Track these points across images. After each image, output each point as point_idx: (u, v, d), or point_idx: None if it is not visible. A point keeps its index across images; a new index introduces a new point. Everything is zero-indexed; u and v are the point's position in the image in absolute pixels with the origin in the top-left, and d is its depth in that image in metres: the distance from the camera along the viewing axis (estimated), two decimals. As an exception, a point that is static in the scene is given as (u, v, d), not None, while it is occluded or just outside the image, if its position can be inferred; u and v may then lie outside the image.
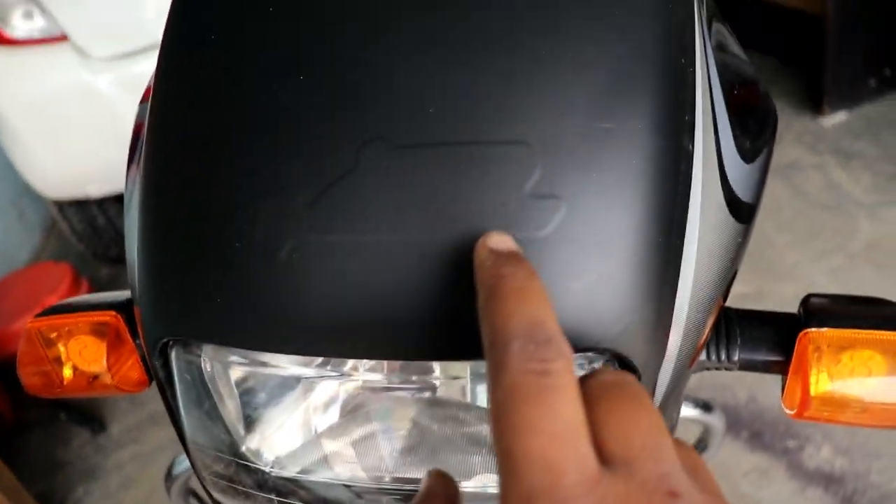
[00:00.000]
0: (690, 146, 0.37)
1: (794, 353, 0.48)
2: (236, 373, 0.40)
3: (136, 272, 0.40)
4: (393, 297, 0.34)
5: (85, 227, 2.47)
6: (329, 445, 0.43)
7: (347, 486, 0.43)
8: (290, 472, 0.42)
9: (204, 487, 0.46)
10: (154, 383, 0.57)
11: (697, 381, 1.57)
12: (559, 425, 0.24)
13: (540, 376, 0.25)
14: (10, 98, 2.07)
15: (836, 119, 2.63)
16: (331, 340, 0.35)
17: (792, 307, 0.50)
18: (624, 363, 0.35)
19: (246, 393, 0.41)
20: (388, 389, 0.39)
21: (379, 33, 0.37)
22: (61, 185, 2.23)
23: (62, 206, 2.40)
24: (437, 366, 0.37)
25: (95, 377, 0.57)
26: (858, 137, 2.52)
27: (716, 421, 0.86)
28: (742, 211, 0.42)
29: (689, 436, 0.89)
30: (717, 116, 0.41)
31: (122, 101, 2.06)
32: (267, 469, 0.43)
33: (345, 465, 0.43)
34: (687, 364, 0.40)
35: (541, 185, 0.34)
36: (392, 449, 0.42)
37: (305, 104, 0.37)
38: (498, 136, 0.35)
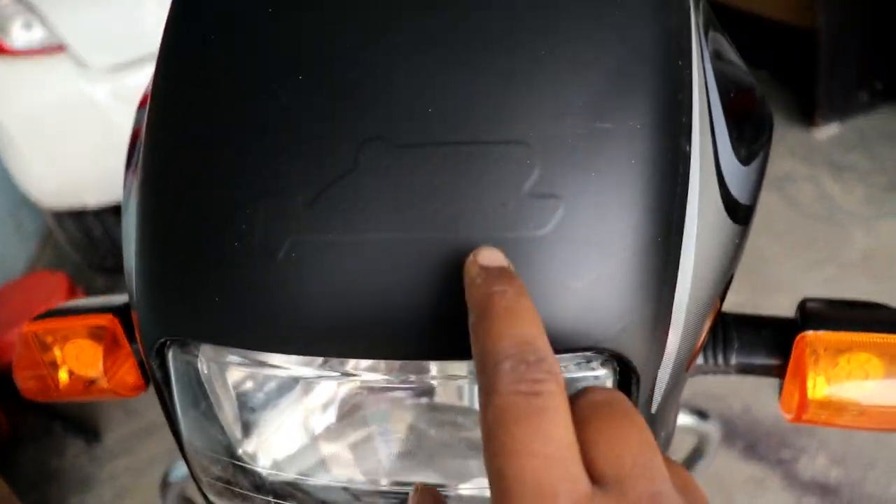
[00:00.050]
0: (688, 147, 0.37)
1: (792, 357, 0.48)
2: (233, 374, 0.40)
3: (134, 273, 0.40)
4: (392, 296, 0.34)
5: (81, 237, 2.47)
6: (326, 448, 0.42)
7: (345, 489, 0.43)
8: (288, 474, 0.42)
9: (201, 491, 0.45)
10: (150, 388, 0.57)
11: (691, 392, 1.57)
12: (550, 447, 0.25)
13: (531, 397, 0.25)
14: (8, 108, 2.08)
15: (828, 131, 2.65)
16: (329, 340, 0.35)
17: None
18: (623, 363, 0.35)
19: (243, 395, 0.41)
20: (386, 390, 0.39)
21: (378, 33, 0.37)
22: (58, 196, 2.23)
23: (59, 216, 2.40)
24: (435, 365, 0.37)
25: (92, 382, 0.57)
26: (851, 150, 2.54)
27: (712, 429, 0.86)
28: (739, 212, 0.42)
29: (685, 445, 0.89)
30: (714, 119, 0.41)
31: (120, 111, 2.07)
32: (264, 472, 0.42)
33: (342, 468, 0.43)
34: (685, 366, 0.40)
35: (540, 184, 0.34)
36: (389, 452, 0.42)
37: (305, 104, 0.37)
38: (497, 136, 0.35)
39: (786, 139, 2.62)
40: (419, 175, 0.35)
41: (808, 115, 2.67)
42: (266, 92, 0.38)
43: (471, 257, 0.32)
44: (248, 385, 0.40)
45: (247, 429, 0.42)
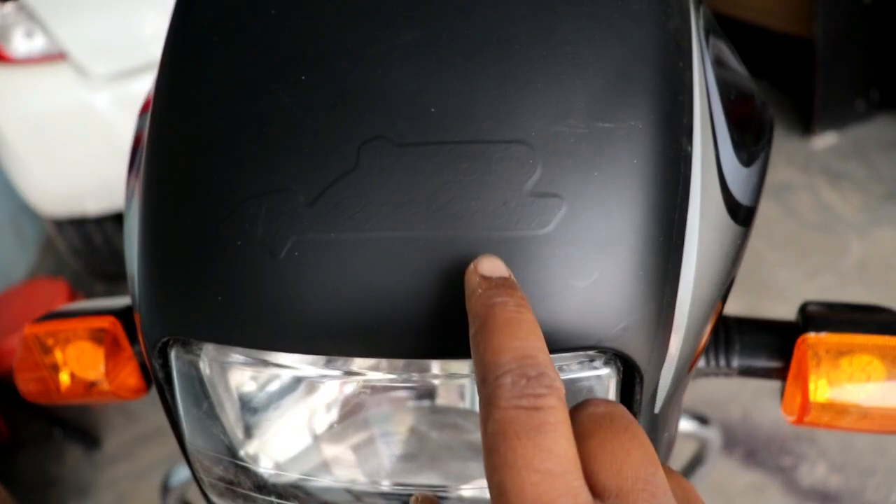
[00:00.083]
0: (689, 148, 0.37)
1: (793, 359, 0.48)
2: (236, 374, 0.40)
3: (136, 274, 0.40)
4: (394, 295, 0.34)
5: (82, 244, 2.47)
6: (329, 449, 0.42)
7: (347, 490, 0.43)
8: (290, 474, 0.42)
9: (202, 492, 0.45)
10: (151, 391, 0.57)
11: (691, 398, 1.57)
12: (551, 461, 0.25)
13: (532, 412, 0.25)
14: (9, 116, 2.08)
15: (825, 141, 2.66)
16: (332, 338, 0.35)
17: (783, 326, 0.51)
18: (626, 362, 0.35)
19: (245, 395, 0.41)
20: (389, 389, 0.39)
21: (380, 33, 0.38)
22: (59, 203, 2.23)
23: (59, 223, 2.40)
24: (437, 364, 0.37)
25: (93, 384, 0.57)
26: (848, 158, 2.55)
27: (713, 435, 0.86)
28: (740, 213, 0.43)
29: (686, 451, 0.89)
30: (715, 120, 0.42)
31: (121, 119, 2.08)
32: (266, 472, 0.42)
33: (344, 469, 0.43)
34: (687, 367, 0.41)
35: (541, 183, 0.34)
36: (391, 454, 0.42)
37: (306, 104, 0.37)
38: (499, 136, 0.35)
39: (784, 148, 2.63)
40: (421, 174, 0.35)
41: (805, 125, 2.68)
42: (268, 92, 0.38)
43: (471, 266, 0.32)
44: (251, 385, 0.40)
45: (249, 429, 0.42)
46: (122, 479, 1.96)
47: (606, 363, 0.36)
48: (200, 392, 0.41)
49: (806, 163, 2.57)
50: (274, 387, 0.40)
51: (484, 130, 0.35)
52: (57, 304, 2.19)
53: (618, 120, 0.35)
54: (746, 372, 0.51)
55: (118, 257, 2.53)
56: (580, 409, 0.29)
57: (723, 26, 0.53)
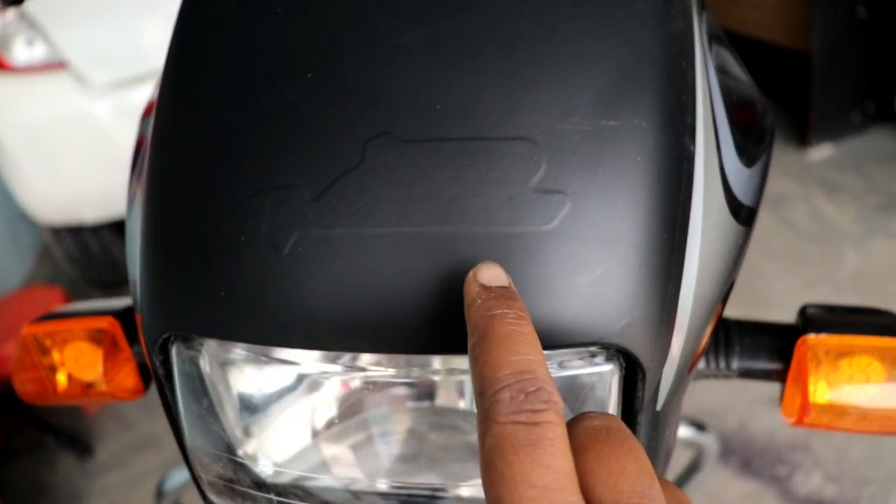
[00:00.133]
0: (692, 147, 0.37)
1: (793, 361, 0.48)
2: (236, 371, 0.40)
3: (139, 270, 0.40)
4: (397, 290, 0.34)
5: (78, 252, 2.47)
6: (328, 448, 0.42)
7: (347, 489, 0.43)
8: (290, 472, 0.42)
9: (200, 492, 0.45)
10: (148, 394, 0.57)
11: (687, 408, 1.57)
12: (549, 477, 0.25)
13: (529, 427, 0.25)
14: (8, 124, 2.09)
15: (822, 153, 2.67)
16: (335, 334, 0.35)
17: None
18: (629, 359, 0.35)
19: (246, 391, 0.41)
20: (390, 385, 0.39)
21: (385, 33, 0.38)
22: (56, 211, 2.24)
23: (56, 231, 2.40)
24: (439, 360, 0.37)
25: (90, 385, 0.57)
26: (844, 170, 2.56)
27: (709, 441, 0.86)
28: (742, 213, 0.43)
29: (682, 458, 0.89)
30: (718, 121, 0.42)
31: (120, 127, 2.08)
32: (265, 471, 0.42)
33: (344, 468, 0.42)
34: (688, 366, 0.41)
35: (546, 180, 0.34)
36: (391, 454, 0.42)
37: (312, 101, 0.37)
38: (503, 133, 0.35)
39: (781, 160, 2.64)
40: (426, 170, 0.35)
41: (802, 137, 2.70)
42: (273, 90, 0.38)
43: (471, 274, 0.32)
44: (251, 382, 0.40)
45: (249, 426, 0.41)
46: (115, 487, 1.95)
47: (609, 360, 0.36)
48: (201, 389, 0.41)
49: (802, 174, 2.58)
50: (275, 384, 0.40)
51: (489, 127, 0.35)
52: (52, 311, 2.19)
53: (622, 118, 0.35)
54: (746, 374, 0.51)
55: (115, 266, 2.53)
56: (576, 422, 0.29)
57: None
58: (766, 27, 2.75)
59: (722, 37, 0.52)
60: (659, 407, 0.38)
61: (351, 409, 0.41)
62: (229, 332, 0.37)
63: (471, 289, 0.31)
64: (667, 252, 0.35)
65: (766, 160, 0.48)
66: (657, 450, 0.41)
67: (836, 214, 2.37)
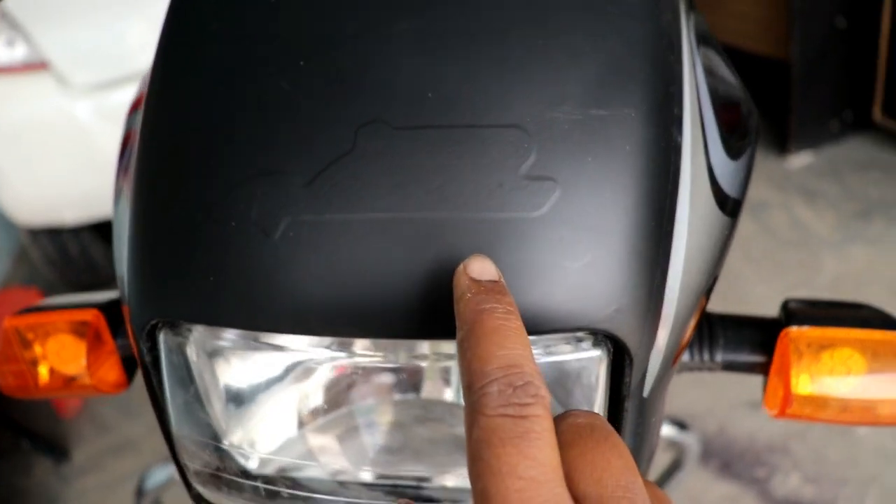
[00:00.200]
0: (679, 138, 0.38)
1: (776, 353, 0.49)
2: (224, 357, 0.40)
3: (127, 260, 0.39)
4: (387, 275, 0.34)
5: (57, 254, 2.44)
6: (316, 437, 0.42)
7: (333, 478, 0.43)
8: (277, 462, 0.42)
9: (185, 482, 0.45)
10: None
11: (668, 410, 1.58)
12: (535, 469, 0.25)
13: (517, 420, 0.26)
14: (-12, 124, 2.06)
15: (801, 160, 2.70)
16: (325, 319, 0.35)
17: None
18: (616, 345, 0.36)
19: (233, 379, 0.41)
20: (380, 371, 0.39)
21: (378, 22, 0.38)
22: (36, 213, 2.20)
23: (34, 233, 2.37)
24: (428, 345, 0.37)
25: (72, 378, 0.56)
26: (823, 177, 2.60)
27: (691, 440, 0.86)
28: (728, 204, 0.43)
29: (663, 458, 0.89)
30: (704, 114, 0.42)
31: (102, 129, 2.06)
32: (251, 461, 0.42)
33: (330, 457, 0.42)
34: (673, 356, 0.41)
35: (536, 167, 0.35)
36: (376, 445, 0.42)
37: (304, 88, 0.37)
38: (494, 120, 0.35)
39: (761, 167, 2.67)
40: (416, 156, 0.35)
41: (782, 145, 2.73)
42: (266, 77, 0.38)
43: (460, 267, 0.32)
44: (239, 369, 0.40)
45: (236, 414, 0.41)
46: (91, 491, 1.92)
47: (597, 345, 0.36)
48: (188, 377, 0.40)
49: (782, 181, 2.61)
50: (263, 371, 0.40)
51: (479, 115, 0.36)
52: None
53: (611, 107, 0.36)
54: (730, 366, 0.52)
55: (93, 268, 2.50)
56: (561, 419, 0.29)
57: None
58: (747, 36, 2.78)
59: (711, 38, 0.53)
60: (646, 394, 0.39)
61: (339, 397, 0.41)
62: (218, 318, 0.37)
63: (461, 282, 0.31)
64: (654, 240, 0.36)
65: (751, 154, 0.48)
66: (643, 437, 0.41)
67: (814, 221, 2.40)
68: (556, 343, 0.36)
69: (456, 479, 0.42)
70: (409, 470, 0.42)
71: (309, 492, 0.42)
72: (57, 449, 2.04)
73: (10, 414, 2.00)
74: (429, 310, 0.34)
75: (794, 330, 0.47)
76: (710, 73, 0.47)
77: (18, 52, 2.04)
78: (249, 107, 0.38)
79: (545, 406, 0.27)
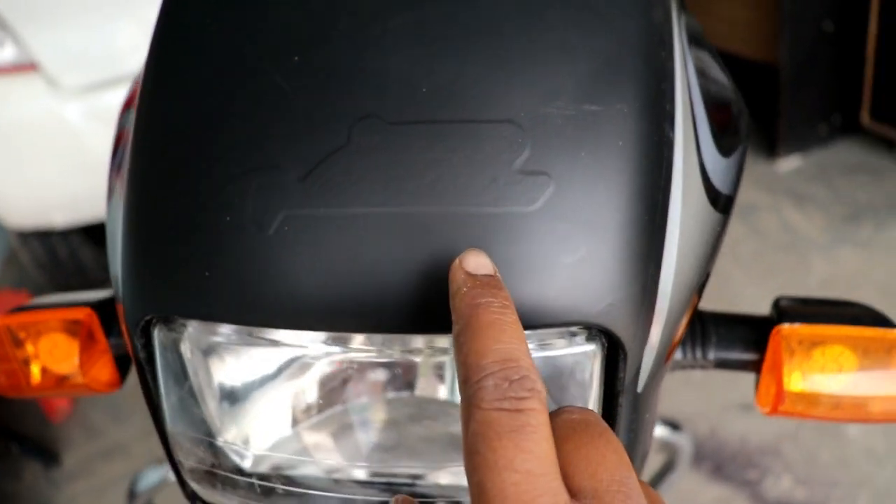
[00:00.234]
0: (671, 133, 0.38)
1: (768, 351, 0.49)
2: (219, 353, 0.40)
3: (121, 257, 0.39)
4: (382, 270, 0.35)
5: (46, 257, 2.42)
6: (311, 434, 0.42)
7: (328, 475, 0.42)
8: (272, 458, 0.42)
9: (179, 479, 0.45)
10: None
11: (660, 412, 1.59)
12: (532, 462, 0.25)
13: (513, 414, 0.26)
14: (-24, 126, 2.04)
15: (790, 163, 2.72)
16: (320, 314, 0.35)
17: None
18: (610, 340, 0.36)
19: (228, 375, 0.41)
20: (375, 366, 0.39)
21: (373, 17, 0.38)
22: (25, 215, 2.19)
23: (24, 235, 2.35)
24: (423, 339, 0.38)
25: (65, 377, 0.56)
26: (811, 181, 2.61)
27: (684, 441, 0.87)
28: (720, 201, 0.44)
29: (656, 459, 0.89)
30: (696, 110, 0.43)
31: (92, 131, 2.04)
32: (246, 458, 0.42)
33: (325, 453, 0.42)
34: (666, 352, 0.41)
35: (530, 162, 0.35)
36: (370, 442, 0.42)
37: (298, 83, 0.37)
38: (488, 115, 0.36)
39: (751, 171, 2.69)
40: (411, 151, 0.35)
41: (771, 148, 2.75)
42: (260, 72, 0.38)
43: (456, 262, 0.32)
44: (234, 364, 0.40)
45: (231, 410, 0.41)
46: (82, 495, 1.91)
47: (591, 340, 0.36)
48: (182, 373, 0.40)
49: (771, 185, 2.63)
50: (258, 366, 0.40)
51: (474, 110, 0.36)
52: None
53: (604, 103, 0.36)
54: (722, 364, 0.52)
55: (83, 271, 2.49)
56: (556, 415, 0.29)
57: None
58: (736, 40, 2.80)
59: (702, 39, 0.53)
60: (639, 389, 0.39)
61: (333, 394, 0.41)
62: (212, 313, 0.37)
63: (456, 276, 0.31)
64: (648, 235, 0.36)
65: (742, 152, 0.49)
66: (637, 434, 0.41)
67: (804, 224, 2.41)
68: (550, 337, 0.36)
69: (450, 476, 0.42)
70: (404, 467, 0.42)
71: (304, 488, 0.42)
72: (47, 453, 2.02)
73: (0, 418, 1.98)
74: (424, 304, 0.35)
75: (785, 327, 0.48)
76: (701, 72, 0.47)
77: (7, 53, 2.02)
78: (244, 102, 0.38)
79: (541, 400, 0.27)
